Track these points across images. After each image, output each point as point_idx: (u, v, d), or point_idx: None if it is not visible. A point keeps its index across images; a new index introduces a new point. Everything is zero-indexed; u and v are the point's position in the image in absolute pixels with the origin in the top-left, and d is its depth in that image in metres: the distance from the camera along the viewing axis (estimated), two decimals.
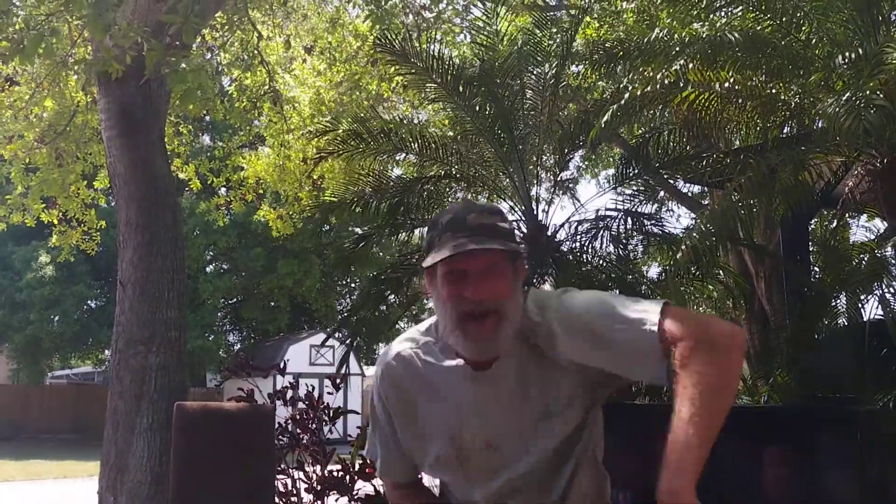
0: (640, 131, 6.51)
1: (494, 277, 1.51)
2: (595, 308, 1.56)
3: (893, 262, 5.15)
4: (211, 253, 20.80)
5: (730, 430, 3.82)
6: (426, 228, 1.61)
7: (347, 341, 6.46)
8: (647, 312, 1.48)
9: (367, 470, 4.71)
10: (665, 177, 6.12)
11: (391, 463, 1.76)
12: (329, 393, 5.49)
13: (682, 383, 1.42)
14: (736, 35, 4.62)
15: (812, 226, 6.60)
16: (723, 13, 5.46)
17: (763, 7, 4.74)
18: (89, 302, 20.73)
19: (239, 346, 22.71)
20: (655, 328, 1.45)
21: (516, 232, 1.67)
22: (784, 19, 4.71)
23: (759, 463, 3.59)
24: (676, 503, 1.39)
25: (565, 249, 5.51)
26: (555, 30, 5.79)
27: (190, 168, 10.31)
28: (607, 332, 1.50)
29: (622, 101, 4.60)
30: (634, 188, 5.73)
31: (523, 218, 5.66)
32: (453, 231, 1.52)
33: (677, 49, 4.89)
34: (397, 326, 9.17)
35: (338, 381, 5.34)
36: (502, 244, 1.52)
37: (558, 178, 5.95)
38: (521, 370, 1.58)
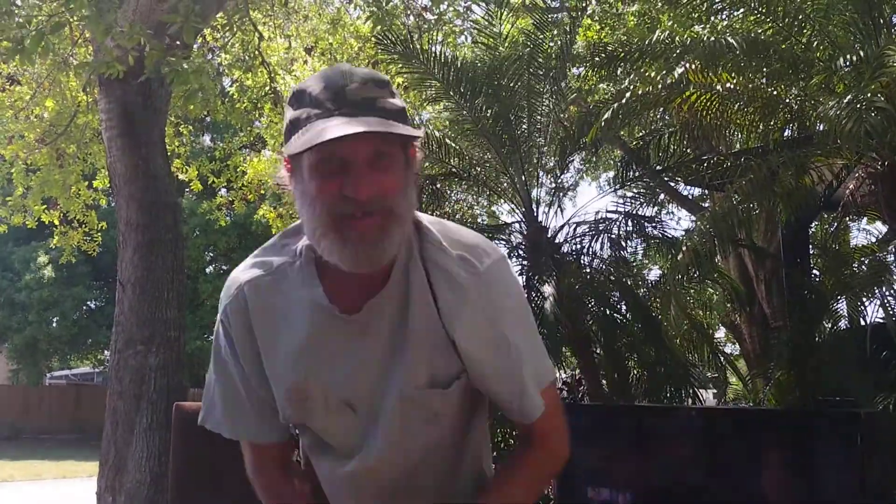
0: (640, 133, 6.51)
1: (383, 169, 1.14)
2: (525, 319, 1.34)
3: (894, 265, 5.14)
4: (211, 254, 20.79)
5: (731, 432, 3.81)
6: (290, 101, 1.20)
7: None
8: (548, 371, 1.36)
9: None
10: (665, 179, 6.12)
11: (243, 418, 1.35)
12: None
13: (523, 474, 1.34)
14: (737, 39, 4.62)
15: (812, 229, 6.59)
16: (724, 16, 5.46)
17: (764, 10, 4.74)
18: (89, 302, 20.72)
19: None
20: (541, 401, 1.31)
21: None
22: (785, 22, 4.71)
23: (760, 465, 3.58)
24: None
25: (565, 251, 5.51)
26: (556, 31, 5.79)
27: (192, 169, 10.31)
28: (509, 353, 1.27)
29: (622, 102, 4.60)
30: (635, 191, 5.73)
31: (523, 219, 5.66)
32: (328, 107, 1.12)
33: (678, 51, 4.89)
34: None
35: None
36: (400, 128, 1.13)
37: (559, 180, 5.95)
38: (402, 320, 1.25)
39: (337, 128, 1.09)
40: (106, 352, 20.47)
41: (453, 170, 5.96)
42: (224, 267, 21.36)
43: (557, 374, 5.72)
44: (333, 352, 1.25)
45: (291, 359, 1.26)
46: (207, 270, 20.88)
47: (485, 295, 1.25)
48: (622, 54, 5.43)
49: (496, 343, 1.26)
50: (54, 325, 19.39)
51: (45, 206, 9.74)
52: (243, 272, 1.32)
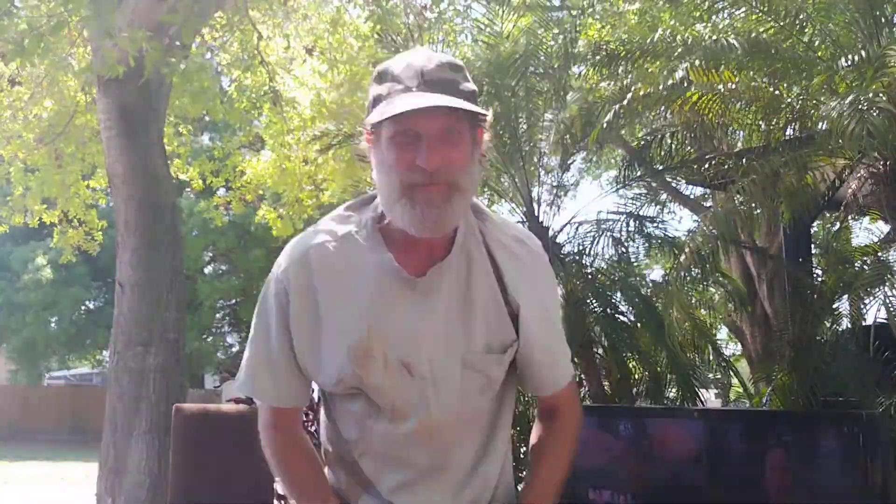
0: (642, 133, 6.50)
1: (452, 144, 1.27)
2: (558, 308, 1.55)
3: None
4: (210, 254, 20.76)
5: (733, 432, 3.80)
6: (373, 79, 1.33)
7: None
8: (568, 353, 1.53)
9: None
10: (667, 179, 6.11)
11: (270, 380, 1.41)
12: None
13: (558, 449, 1.49)
14: (738, 38, 4.61)
15: (814, 228, 6.58)
16: (725, 14, 5.45)
17: (766, 9, 4.73)
18: (87, 303, 20.69)
19: (237, 347, 22.66)
20: (569, 378, 1.52)
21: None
22: (787, 21, 4.70)
23: (762, 466, 3.57)
24: None
25: (567, 252, 5.50)
26: (557, 30, 5.77)
27: (193, 169, 10.29)
28: (560, 333, 1.49)
29: (624, 102, 4.59)
30: (637, 190, 5.72)
31: (525, 219, 5.65)
32: (408, 84, 1.25)
33: (680, 50, 4.87)
34: None
35: None
36: (468, 105, 1.25)
37: (560, 180, 5.93)
38: (464, 289, 1.36)
39: (413, 101, 1.21)
40: (105, 352, 20.44)
41: None
42: (223, 267, 21.33)
43: None
44: (397, 313, 1.34)
45: (356, 317, 1.33)
46: (206, 271, 20.85)
47: (540, 272, 1.44)
48: (624, 53, 5.41)
49: (545, 315, 1.42)
50: (53, 325, 19.36)
51: (45, 205, 9.72)
52: (309, 237, 1.41)
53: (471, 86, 1.31)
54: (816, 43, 4.76)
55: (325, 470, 1.51)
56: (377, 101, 1.29)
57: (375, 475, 1.41)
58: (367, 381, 1.35)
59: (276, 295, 1.38)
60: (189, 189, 12.38)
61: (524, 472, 1.54)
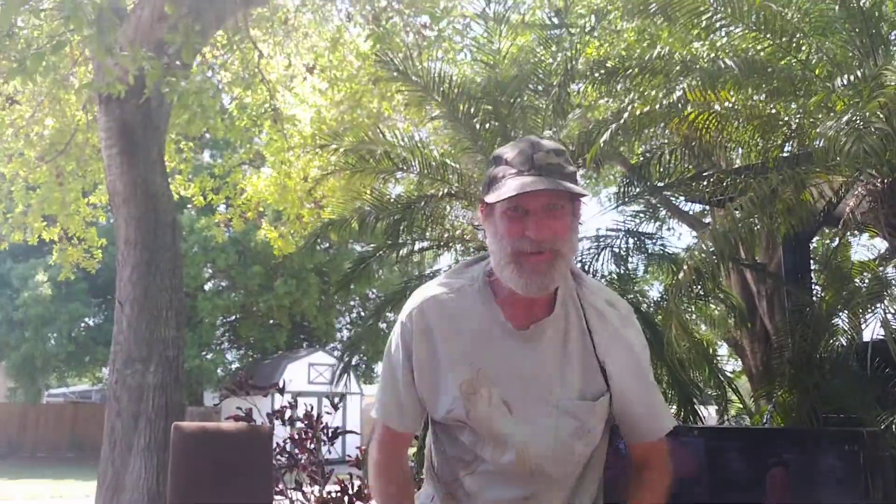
0: (641, 150, 6.52)
1: (555, 217, 1.50)
2: (649, 360, 1.68)
3: (895, 282, 5.13)
4: (209, 271, 20.76)
5: (733, 450, 3.78)
6: (489, 163, 1.59)
7: (346, 360, 6.43)
8: (670, 414, 1.73)
9: (365, 491, 4.66)
10: (666, 195, 6.12)
11: (394, 406, 1.65)
12: (328, 412, 5.45)
13: (659, 488, 1.67)
14: (735, 58, 4.64)
15: (813, 245, 6.59)
16: (722, 33, 5.48)
17: (763, 27, 4.76)
18: (87, 320, 20.66)
19: (237, 364, 22.60)
20: (666, 430, 1.68)
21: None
22: (783, 40, 4.73)
23: (762, 484, 3.56)
24: None
25: None
26: (555, 48, 5.81)
27: (194, 186, 10.33)
28: (653, 387, 1.67)
29: (623, 121, 4.61)
30: (636, 207, 5.73)
31: None
32: (519, 168, 1.49)
33: (677, 69, 4.90)
34: None
35: (336, 400, 5.31)
36: (569, 186, 1.47)
37: None
38: (562, 343, 1.58)
39: (524, 184, 1.45)
40: (104, 369, 20.39)
41: (453, 188, 5.96)
42: (223, 284, 21.33)
43: None
44: (502, 359, 1.57)
45: (467, 359, 1.58)
46: (206, 288, 20.84)
47: (629, 332, 1.63)
48: (622, 71, 5.45)
49: (635, 370, 1.62)
50: (52, 342, 19.32)
51: (45, 223, 9.75)
52: (430, 288, 1.66)
53: (572, 168, 1.53)
54: (813, 61, 4.78)
55: (426, 485, 1.76)
56: (492, 181, 1.52)
57: (478, 491, 1.64)
58: (472, 415, 1.58)
59: (401, 335, 1.63)
60: (190, 206, 12.41)
61: None
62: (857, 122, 3.70)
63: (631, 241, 5.49)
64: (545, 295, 1.55)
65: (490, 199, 1.50)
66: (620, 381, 1.58)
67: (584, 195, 1.52)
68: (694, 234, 8.97)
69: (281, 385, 5.31)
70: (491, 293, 1.60)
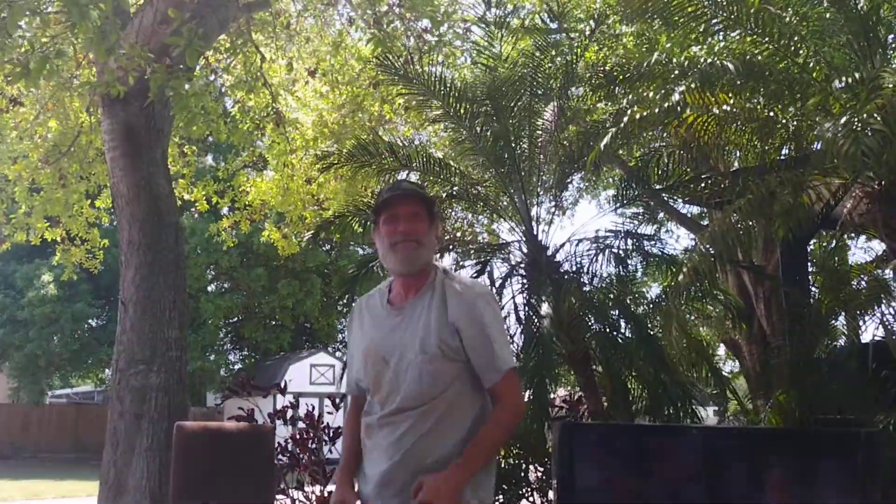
0: (639, 153, 6.55)
1: (417, 219, 2.25)
2: (496, 324, 2.26)
3: (893, 283, 5.15)
4: (212, 272, 20.80)
5: (731, 451, 3.81)
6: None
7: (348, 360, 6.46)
8: (508, 358, 2.25)
9: None
10: (665, 198, 6.15)
11: (349, 378, 2.41)
12: (329, 412, 5.48)
13: (490, 425, 2.18)
14: (734, 61, 4.67)
15: (811, 247, 6.61)
16: (720, 37, 5.52)
17: (761, 31, 4.79)
18: (90, 320, 20.68)
19: (240, 365, 22.63)
20: (503, 372, 2.21)
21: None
22: (781, 43, 4.76)
23: (760, 484, 3.58)
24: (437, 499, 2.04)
25: (565, 270, 5.53)
26: (554, 53, 5.84)
27: (198, 190, 10.38)
28: (490, 340, 2.21)
29: (622, 124, 4.64)
30: (634, 209, 5.75)
31: (523, 238, 5.69)
32: (392, 190, 2.33)
33: (676, 73, 4.93)
34: None
35: (338, 400, 5.35)
36: (423, 197, 2.32)
37: (558, 199, 5.98)
38: (420, 313, 2.23)
39: (394, 193, 2.31)
40: (107, 370, 20.42)
41: (454, 189, 5.99)
42: (225, 286, 21.37)
43: (557, 392, 5.71)
44: (386, 329, 2.28)
45: (367, 335, 2.32)
46: (209, 289, 20.88)
47: (477, 302, 2.24)
48: (621, 76, 5.48)
49: (479, 329, 2.20)
50: (55, 342, 19.36)
51: (48, 224, 9.79)
52: (371, 291, 2.46)
53: (428, 195, 2.41)
54: (811, 65, 4.81)
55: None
56: (376, 203, 2.34)
57: (367, 439, 2.29)
58: (367, 374, 2.28)
59: (349, 329, 2.47)
60: (194, 209, 12.46)
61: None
62: (855, 123, 3.73)
63: (629, 242, 5.52)
64: (414, 272, 2.26)
65: (376, 207, 2.33)
66: (466, 337, 2.18)
67: (433, 207, 2.31)
68: (692, 236, 9.01)
69: (282, 386, 5.34)
70: (387, 289, 2.36)
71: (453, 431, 2.17)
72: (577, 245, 5.57)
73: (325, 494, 4.69)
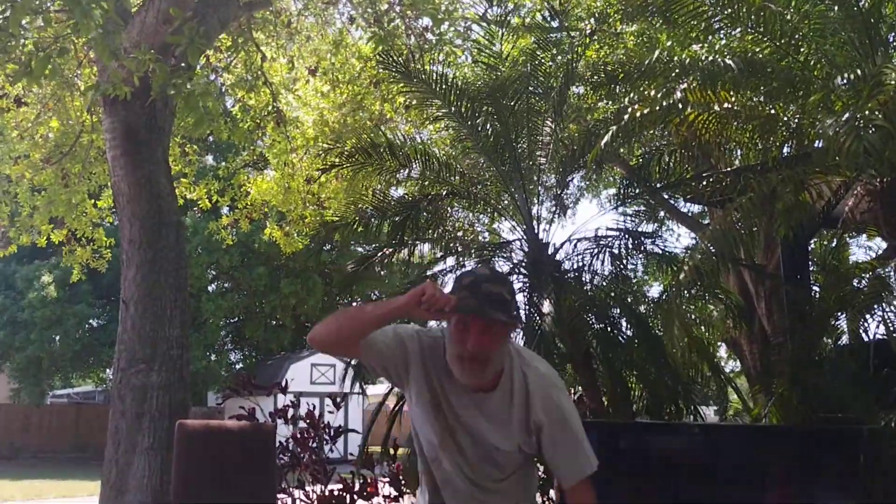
0: (640, 151, 6.55)
1: (490, 335, 2.05)
2: (577, 421, 2.17)
3: (894, 282, 5.14)
4: (213, 272, 20.80)
5: (732, 449, 3.80)
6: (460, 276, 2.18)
7: (349, 360, 6.45)
8: (593, 460, 2.16)
9: (367, 489, 4.69)
10: (665, 197, 6.14)
11: (372, 339, 2.16)
12: (330, 412, 5.48)
13: None
14: (735, 59, 4.66)
15: (812, 245, 6.60)
16: (721, 35, 5.51)
17: (762, 29, 4.78)
18: (91, 321, 20.67)
19: (241, 365, 22.63)
20: (585, 475, 2.15)
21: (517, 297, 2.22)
22: (782, 41, 4.75)
23: (762, 482, 3.58)
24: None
25: (566, 268, 5.53)
26: (556, 51, 5.84)
27: (200, 189, 10.39)
28: (578, 440, 2.15)
29: (622, 123, 4.63)
30: (635, 208, 5.75)
31: (524, 237, 5.68)
32: (469, 293, 2.05)
33: (677, 71, 4.92)
34: None
35: (339, 399, 5.35)
36: (503, 316, 2.05)
37: (559, 198, 5.98)
38: (500, 407, 2.13)
39: (469, 310, 2.04)
40: (108, 371, 20.43)
41: (455, 189, 5.99)
42: (226, 285, 21.36)
43: None
44: (462, 406, 2.16)
45: (437, 391, 2.18)
46: (210, 289, 20.88)
47: (557, 399, 2.16)
48: (621, 74, 5.47)
49: (561, 425, 2.13)
50: (57, 343, 19.36)
51: (52, 225, 9.79)
52: (433, 336, 2.23)
53: (509, 297, 2.11)
54: (812, 62, 4.80)
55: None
56: (454, 289, 2.10)
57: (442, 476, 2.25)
58: (429, 425, 2.19)
59: (408, 338, 2.21)
60: (196, 208, 12.47)
61: None
62: (857, 120, 3.71)
63: (630, 241, 5.51)
64: (478, 386, 2.12)
65: (452, 310, 2.07)
66: (548, 435, 2.11)
67: (507, 323, 2.08)
68: (693, 235, 9.00)
69: (283, 385, 5.34)
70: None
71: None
72: (578, 244, 5.58)
73: (326, 493, 4.69)
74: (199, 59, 4.97)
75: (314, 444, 4.90)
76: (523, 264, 5.64)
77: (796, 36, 4.80)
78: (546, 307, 5.08)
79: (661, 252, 5.55)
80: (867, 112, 3.79)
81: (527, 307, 5.26)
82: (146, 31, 5.61)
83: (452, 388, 2.15)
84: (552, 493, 4.84)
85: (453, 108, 5.71)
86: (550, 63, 5.79)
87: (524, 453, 2.18)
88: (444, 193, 6.02)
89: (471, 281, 2.09)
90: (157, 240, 5.81)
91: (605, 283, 5.49)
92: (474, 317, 2.03)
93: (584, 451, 2.15)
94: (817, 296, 5.45)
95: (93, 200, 9.95)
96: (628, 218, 5.72)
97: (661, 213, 8.37)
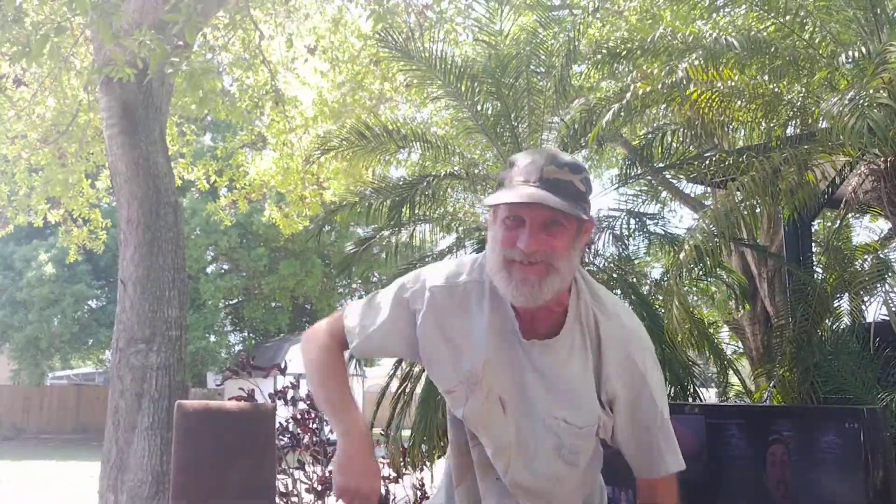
0: (643, 131, 6.50)
1: (553, 234, 1.46)
2: (664, 398, 1.64)
3: None
4: (212, 253, 20.78)
5: (733, 429, 3.79)
6: (505, 166, 1.55)
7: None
8: (677, 455, 1.63)
9: None
10: (668, 177, 6.10)
11: (364, 332, 1.67)
12: None
13: None
14: (738, 37, 4.61)
15: (815, 226, 6.58)
16: (725, 12, 5.45)
17: (766, 6, 4.73)
18: (90, 301, 20.68)
19: (240, 346, 22.68)
20: (671, 473, 1.63)
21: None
22: (787, 18, 4.70)
23: (762, 463, 3.58)
24: None
25: None
26: (557, 29, 5.78)
27: (198, 169, 10.34)
28: (667, 425, 1.61)
29: (624, 101, 4.59)
30: (637, 188, 5.71)
31: None
32: (526, 177, 1.45)
33: (680, 49, 4.87)
34: None
35: None
36: (568, 207, 1.42)
37: None
38: (565, 363, 1.56)
39: (522, 194, 1.43)
40: (107, 352, 20.45)
41: (454, 169, 5.95)
42: (225, 266, 21.35)
43: None
44: (507, 361, 1.58)
45: (474, 353, 1.58)
46: (208, 270, 20.86)
47: (642, 361, 1.59)
48: (624, 52, 5.42)
49: (648, 402, 1.58)
50: (55, 323, 19.37)
51: (49, 205, 9.76)
52: (449, 276, 1.64)
53: (583, 188, 1.48)
54: (817, 40, 4.75)
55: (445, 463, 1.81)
56: (500, 185, 1.52)
57: (481, 467, 1.67)
58: (471, 403, 1.60)
59: (410, 300, 1.64)
60: (195, 189, 12.43)
61: None
62: (861, 98, 3.68)
63: (632, 221, 5.49)
64: (535, 306, 1.50)
65: (489, 201, 1.50)
66: (626, 408, 1.57)
67: (580, 217, 1.46)
68: (695, 216, 8.96)
69: (283, 366, 5.33)
70: (488, 288, 1.59)
71: None
72: None
73: (327, 474, 4.69)
74: (196, 36, 4.91)
75: (314, 426, 4.89)
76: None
77: (801, 13, 4.75)
78: None
79: (663, 233, 5.53)
80: (872, 90, 3.76)
81: None
82: (144, 10, 5.54)
83: (493, 336, 1.58)
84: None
85: (453, 87, 5.66)
86: (552, 41, 5.74)
87: (589, 435, 1.59)
88: (443, 174, 5.99)
89: (529, 162, 1.48)
90: (154, 220, 5.79)
91: (606, 264, 5.47)
92: (529, 207, 1.44)
93: (670, 440, 1.61)
94: (820, 277, 5.43)
95: (90, 181, 9.90)
96: (630, 198, 5.68)
97: (664, 194, 8.33)
